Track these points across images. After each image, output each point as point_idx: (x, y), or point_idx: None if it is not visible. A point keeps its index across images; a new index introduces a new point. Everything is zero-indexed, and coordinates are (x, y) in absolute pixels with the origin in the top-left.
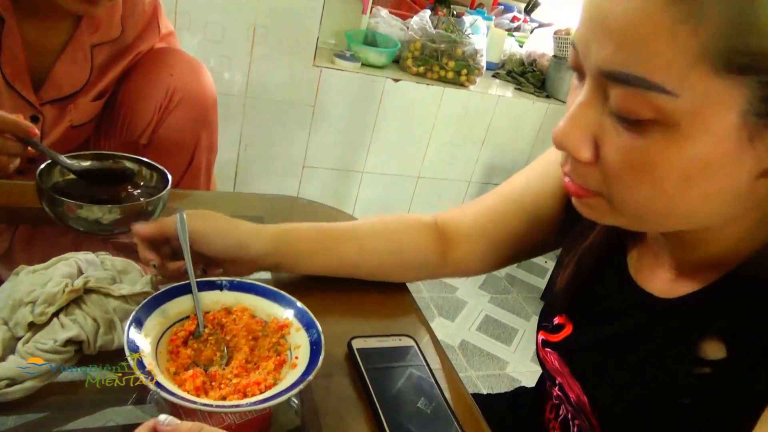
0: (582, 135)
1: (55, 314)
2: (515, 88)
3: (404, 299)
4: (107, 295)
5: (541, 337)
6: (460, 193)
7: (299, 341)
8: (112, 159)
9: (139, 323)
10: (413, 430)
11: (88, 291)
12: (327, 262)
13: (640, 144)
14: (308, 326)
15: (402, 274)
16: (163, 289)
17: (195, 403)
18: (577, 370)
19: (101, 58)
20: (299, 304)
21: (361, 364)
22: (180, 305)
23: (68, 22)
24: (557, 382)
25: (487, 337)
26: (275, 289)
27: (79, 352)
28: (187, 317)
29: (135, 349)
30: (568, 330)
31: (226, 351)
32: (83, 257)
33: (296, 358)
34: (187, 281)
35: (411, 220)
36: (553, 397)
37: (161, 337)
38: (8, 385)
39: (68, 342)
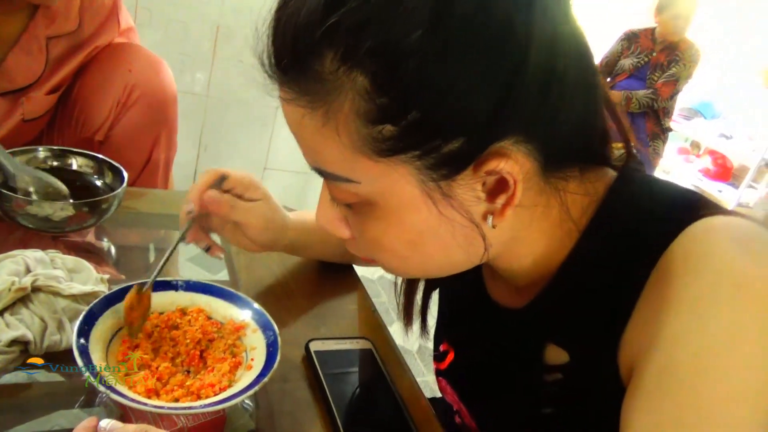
0: (335, 216)
1: (0, 313)
2: None
3: (363, 302)
4: (56, 294)
5: (434, 366)
6: None
7: (255, 343)
8: (66, 155)
9: (89, 323)
10: (370, 430)
11: (35, 290)
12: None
13: (363, 222)
14: (265, 328)
15: None
16: (115, 289)
17: (146, 404)
18: (463, 395)
19: (57, 50)
20: (256, 305)
21: (318, 366)
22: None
23: (23, 13)
24: (455, 409)
25: None
26: (232, 290)
27: (24, 352)
28: None
29: (84, 350)
30: (451, 356)
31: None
32: (32, 255)
33: (252, 360)
34: (139, 281)
35: None
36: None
37: (112, 338)
38: None
39: (13, 342)
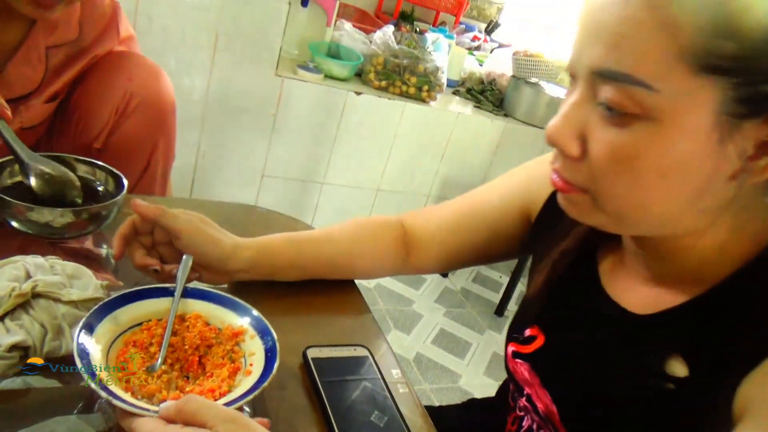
0: (572, 132)
1: (1, 319)
2: (474, 106)
3: (360, 310)
4: (56, 300)
5: (511, 348)
6: (418, 205)
7: (254, 349)
8: (66, 161)
9: (89, 329)
10: None
11: (36, 296)
12: (301, 274)
13: (623, 137)
14: (263, 333)
15: (366, 274)
16: (114, 296)
17: (147, 410)
18: (548, 381)
19: (57, 59)
20: (254, 311)
21: (315, 374)
22: (132, 312)
23: (23, 22)
24: (525, 392)
25: (442, 351)
26: (230, 296)
27: (24, 357)
28: (139, 324)
29: (85, 354)
30: (540, 341)
31: (175, 388)
32: (32, 261)
33: (251, 365)
34: (138, 287)
35: (380, 225)
36: (518, 409)
37: (112, 344)
38: None
39: (13, 347)
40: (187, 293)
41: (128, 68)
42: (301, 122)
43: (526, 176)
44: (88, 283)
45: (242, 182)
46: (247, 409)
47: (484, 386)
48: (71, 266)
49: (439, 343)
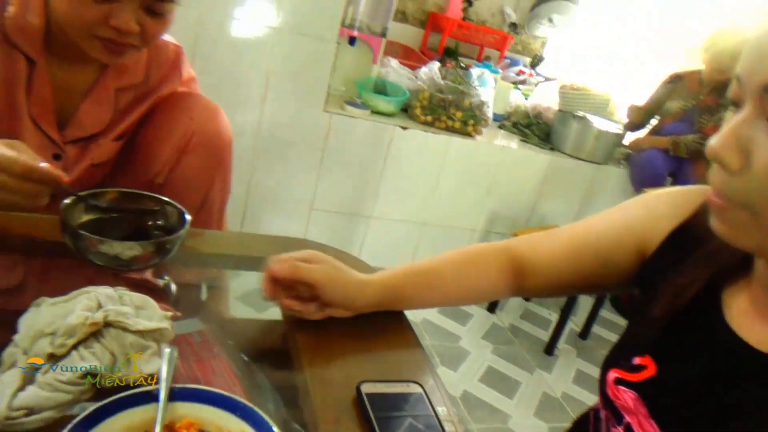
0: (735, 145)
1: (75, 347)
2: (520, 140)
3: (411, 344)
4: (125, 329)
5: (614, 374)
6: (464, 241)
7: None
8: (133, 197)
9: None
10: None
11: (107, 325)
12: (420, 303)
13: None
14: None
15: (478, 299)
16: (90, 409)
17: None
18: (657, 412)
19: (124, 101)
20: (259, 413)
21: (369, 409)
22: (113, 428)
23: (95, 66)
24: (625, 421)
25: (490, 389)
26: (227, 394)
27: (94, 385)
28: None
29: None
30: (651, 371)
31: None
32: (102, 291)
33: None
34: (117, 396)
35: (490, 252)
36: None
37: None
38: (26, 415)
39: (86, 375)
40: (175, 395)
41: (189, 108)
42: (349, 157)
43: (645, 211)
44: (153, 314)
45: (291, 215)
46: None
47: (534, 428)
48: (138, 297)
49: (488, 382)
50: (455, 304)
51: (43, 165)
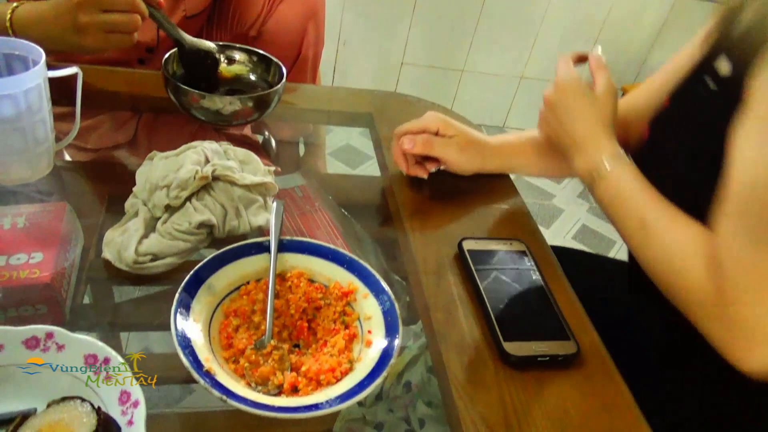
0: None
1: (188, 198)
2: None
3: (516, 206)
4: (232, 183)
5: None
6: None
7: (369, 310)
8: (230, 49)
9: (185, 308)
10: (523, 329)
11: (215, 178)
12: (529, 171)
13: None
14: (378, 292)
15: None
16: (203, 261)
17: (265, 406)
18: None
19: None
20: (364, 265)
21: (471, 264)
22: (227, 276)
23: None
24: None
25: (583, 247)
26: (334, 247)
27: (210, 234)
28: (236, 289)
29: (186, 342)
30: None
31: (289, 367)
32: (209, 146)
33: (369, 332)
34: (230, 247)
35: None
36: None
37: (212, 318)
38: (152, 260)
39: (201, 225)
40: (284, 247)
41: None
42: (441, 7)
43: None
44: (257, 168)
45: (382, 70)
46: (406, 297)
47: None
48: (242, 152)
49: (581, 239)
50: (569, 176)
51: None
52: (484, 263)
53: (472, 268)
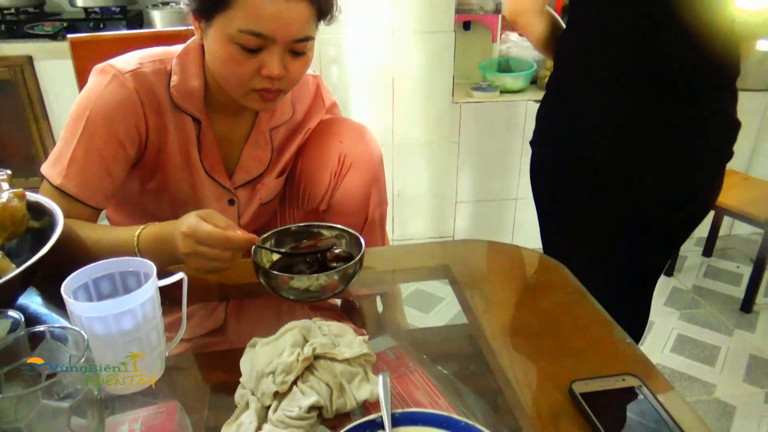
0: None
1: (293, 382)
2: None
3: (612, 332)
4: (332, 359)
5: None
6: None
7: None
8: (310, 229)
9: None
10: None
11: (316, 357)
12: None
13: None
14: None
15: None
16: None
17: None
18: None
19: (279, 138)
20: (478, 427)
21: (588, 410)
22: None
23: (249, 113)
24: None
25: (685, 358)
26: (446, 414)
27: (319, 416)
28: None
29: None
30: None
31: None
32: (303, 325)
33: None
34: (345, 429)
35: None
36: None
37: None
38: None
39: (311, 408)
40: (397, 421)
41: (338, 132)
42: (485, 142)
43: None
44: (352, 340)
45: (438, 212)
46: None
47: (747, 395)
48: (336, 325)
49: (680, 351)
50: None
51: (237, 233)
52: (601, 406)
53: (590, 415)
